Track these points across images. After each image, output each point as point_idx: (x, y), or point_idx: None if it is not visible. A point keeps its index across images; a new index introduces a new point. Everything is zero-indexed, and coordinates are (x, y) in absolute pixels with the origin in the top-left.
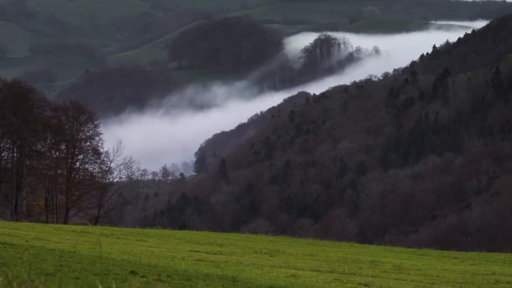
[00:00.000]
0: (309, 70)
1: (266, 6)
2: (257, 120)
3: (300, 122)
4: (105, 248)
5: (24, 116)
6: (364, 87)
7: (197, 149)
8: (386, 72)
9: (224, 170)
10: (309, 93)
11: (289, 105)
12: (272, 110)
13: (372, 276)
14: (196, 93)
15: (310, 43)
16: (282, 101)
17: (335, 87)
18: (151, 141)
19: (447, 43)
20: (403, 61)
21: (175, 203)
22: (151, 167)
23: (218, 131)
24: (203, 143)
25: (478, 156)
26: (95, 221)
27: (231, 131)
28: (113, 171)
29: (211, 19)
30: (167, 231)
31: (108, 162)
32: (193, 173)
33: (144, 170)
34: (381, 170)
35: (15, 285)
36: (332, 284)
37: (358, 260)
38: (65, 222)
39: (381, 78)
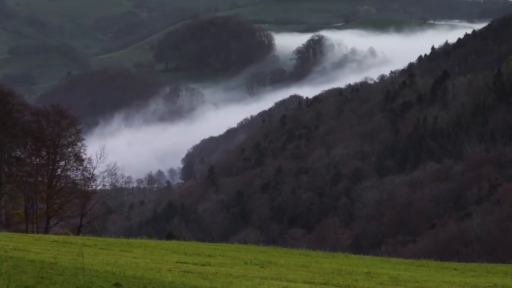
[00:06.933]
0: (301, 72)
1: (256, 5)
2: (247, 125)
3: (292, 127)
4: (87, 259)
5: (3, 121)
6: (359, 90)
7: (184, 155)
8: (383, 74)
9: (212, 177)
10: (302, 97)
11: (281, 109)
12: (262, 114)
13: None
14: (183, 97)
15: (302, 44)
16: (273, 105)
17: (328, 90)
18: (136, 146)
19: (446, 44)
20: (400, 63)
21: (161, 212)
22: (136, 174)
23: (206, 136)
24: (191, 149)
25: (479, 162)
26: (78, 230)
27: (220, 136)
28: (96, 178)
29: (198, 18)
30: (153, 241)
31: (91, 169)
32: (180, 181)
33: (129, 178)
34: (377, 177)
35: None
36: None
37: (353, 271)
38: (46, 232)
39: (377, 81)
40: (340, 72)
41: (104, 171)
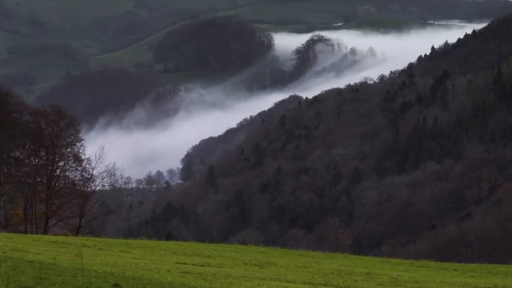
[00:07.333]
0: (301, 73)
1: (256, 5)
2: (246, 125)
3: (291, 127)
4: (86, 260)
5: (2, 121)
6: (359, 91)
7: (183, 156)
8: (382, 74)
9: (212, 177)
10: (301, 97)
11: (280, 109)
12: (262, 115)
13: None
14: (183, 97)
15: (302, 44)
16: (272, 105)
17: (328, 90)
18: (135, 147)
19: (446, 44)
20: (400, 63)
21: (160, 212)
22: (135, 174)
23: (206, 137)
24: (190, 149)
25: (479, 163)
26: (77, 231)
27: (219, 136)
28: (95, 178)
29: (198, 19)
30: (152, 242)
31: (90, 170)
32: (180, 181)
33: (128, 178)
34: (377, 178)
35: None
36: None
37: (353, 272)
38: (45, 233)
39: (377, 81)
40: (339, 72)
41: (103, 172)
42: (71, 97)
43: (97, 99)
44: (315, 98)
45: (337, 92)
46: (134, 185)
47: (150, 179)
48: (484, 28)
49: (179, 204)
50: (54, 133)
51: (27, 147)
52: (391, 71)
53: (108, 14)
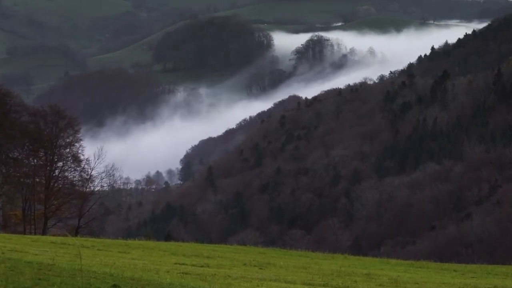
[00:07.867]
0: (300, 73)
1: (255, 5)
2: (245, 126)
3: (291, 127)
4: (85, 261)
5: (1, 122)
6: (358, 91)
7: (182, 156)
8: (382, 74)
9: (211, 178)
10: (301, 97)
11: (280, 109)
12: (261, 115)
13: None
14: (182, 97)
15: (301, 44)
16: (272, 106)
17: (328, 90)
18: (134, 147)
19: (446, 44)
20: (400, 63)
21: (159, 213)
22: (134, 175)
23: (205, 137)
24: (189, 149)
25: (479, 163)
26: (75, 232)
27: (219, 137)
28: (94, 179)
29: (197, 19)
30: (151, 243)
31: (89, 170)
32: (179, 182)
33: (127, 179)
34: (377, 178)
35: None
36: None
37: (352, 273)
38: (44, 233)
39: (376, 81)
40: (339, 73)
41: (102, 172)
42: (70, 98)
43: (96, 99)
44: (314, 98)
45: (337, 92)
46: (133, 185)
47: (149, 180)
48: (484, 28)
49: (178, 205)
50: (53, 133)
51: (26, 147)
52: (391, 71)
53: (107, 14)
